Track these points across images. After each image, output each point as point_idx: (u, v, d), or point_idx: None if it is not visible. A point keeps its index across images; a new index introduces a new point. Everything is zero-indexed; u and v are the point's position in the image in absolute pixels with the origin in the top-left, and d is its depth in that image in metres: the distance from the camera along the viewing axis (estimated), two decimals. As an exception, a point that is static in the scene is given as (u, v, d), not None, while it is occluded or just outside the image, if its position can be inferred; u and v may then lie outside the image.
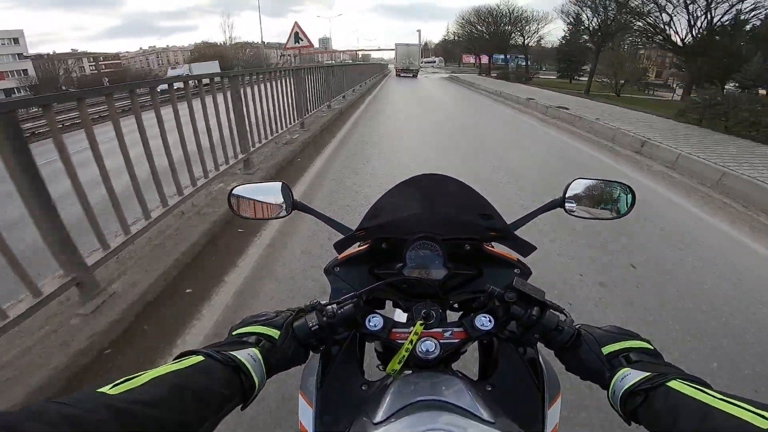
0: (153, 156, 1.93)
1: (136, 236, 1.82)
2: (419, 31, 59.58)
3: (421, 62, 35.46)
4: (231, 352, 0.39)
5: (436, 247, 0.56)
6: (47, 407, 0.25)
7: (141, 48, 60.64)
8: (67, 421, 0.24)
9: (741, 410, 0.29)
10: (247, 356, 0.40)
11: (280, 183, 0.63)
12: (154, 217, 1.95)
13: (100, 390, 0.28)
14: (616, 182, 0.61)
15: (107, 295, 1.56)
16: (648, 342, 0.43)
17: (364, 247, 0.61)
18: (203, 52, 48.35)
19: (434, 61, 51.19)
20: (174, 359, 0.36)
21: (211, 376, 0.35)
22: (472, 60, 44.50)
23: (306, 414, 0.48)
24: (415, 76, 24.58)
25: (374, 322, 0.48)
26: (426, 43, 67.30)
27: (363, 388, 0.49)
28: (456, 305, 0.61)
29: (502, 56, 36.21)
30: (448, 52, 57.34)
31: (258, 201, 0.63)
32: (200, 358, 0.36)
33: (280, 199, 0.62)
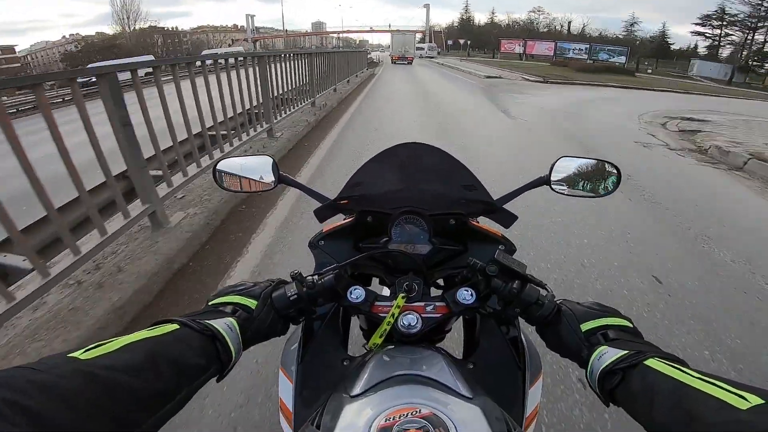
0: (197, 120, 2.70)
1: (193, 178, 2.52)
2: (427, 6, 56.97)
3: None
4: (208, 321, 0.40)
5: (422, 222, 0.59)
6: (15, 373, 0.25)
7: (64, 36, 59.38)
8: (36, 386, 0.24)
9: (718, 389, 0.30)
10: (224, 326, 0.41)
11: (268, 156, 0.66)
12: (204, 166, 2.65)
13: (71, 355, 0.29)
14: (602, 160, 0.64)
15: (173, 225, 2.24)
16: (628, 320, 0.45)
17: (349, 220, 0.63)
18: (99, 44, 43.35)
19: (423, 48, 42.13)
20: (149, 326, 0.37)
21: (187, 345, 0.36)
22: (518, 49, 36.74)
23: (286, 389, 0.50)
24: (410, 63, 27.03)
25: (356, 294, 0.50)
26: (431, 28, 60.83)
27: (344, 363, 0.51)
28: (441, 281, 0.64)
29: (576, 46, 33.26)
30: (467, 35, 53.08)
31: (243, 175, 0.66)
32: (176, 326, 0.37)
33: (266, 173, 0.65)
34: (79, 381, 0.26)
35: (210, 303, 0.46)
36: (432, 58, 38.59)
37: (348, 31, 78.69)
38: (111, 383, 0.28)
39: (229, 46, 61.11)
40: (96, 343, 0.31)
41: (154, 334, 0.35)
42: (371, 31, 73.16)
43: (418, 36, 61.37)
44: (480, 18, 61.36)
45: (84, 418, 0.25)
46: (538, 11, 52.57)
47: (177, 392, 0.33)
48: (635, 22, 46.36)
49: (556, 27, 49.29)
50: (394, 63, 26.90)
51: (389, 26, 70.00)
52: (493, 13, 57.17)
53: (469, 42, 38.87)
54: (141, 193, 2.06)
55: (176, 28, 65.48)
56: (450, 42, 54.00)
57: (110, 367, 0.28)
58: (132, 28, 45.48)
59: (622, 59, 31.02)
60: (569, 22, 48.41)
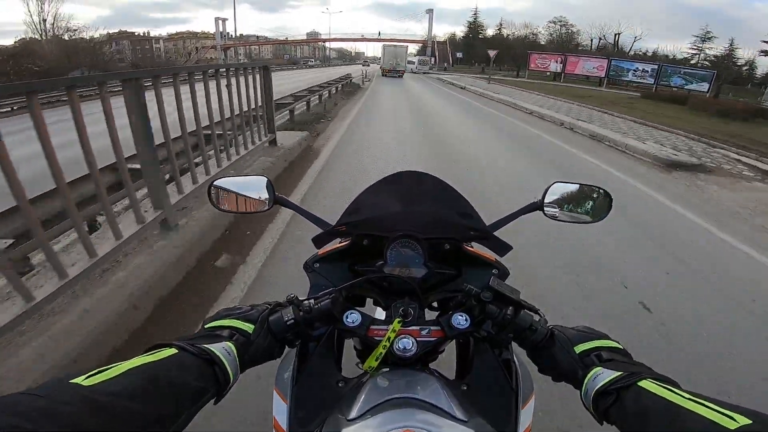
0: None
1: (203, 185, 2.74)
2: (431, 11, 52.91)
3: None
4: (206, 345, 0.43)
5: (417, 246, 0.64)
6: (19, 399, 0.27)
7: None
8: (40, 413, 0.26)
9: (709, 411, 0.33)
10: (222, 350, 0.44)
11: (263, 177, 0.71)
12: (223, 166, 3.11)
13: (73, 381, 0.31)
14: (594, 186, 0.71)
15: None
16: (617, 342, 0.50)
17: (345, 243, 0.68)
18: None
19: (414, 62, 40.10)
20: (146, 351, 0.40)
21: (186, 369, 0.39)
22: (555, 66, 29.00)
23: (280, 410, 0.54)
24: (400, 76, 28.47)
25: (352, 318, 0.54)
26: (434, 39, 54.92)
27: (339, 384, 0.55)
28: (435, 304, 0.69)
29: (639, 66, 25.85)
30: (470, 48, 47.71)
31: (239, 194, 0.70)
32: (174, 350, 0.40)
33: (261, 193, 0.70)
34: (81, 408, 0.28)
35: (207, 326, 0.50)
36: (426, 73, 35.76)
37: (332, 39, 73.94)
38: (113, 410, 0.30)
39: (190, 56, 57.05)
40: (97, 369, 0.33)
41: (153, 359, 0.38)
42: (360, 39, 68.58)
43: (415, 48, 57.51)
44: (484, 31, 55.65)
45: None
46: (560, 23, 44.22)
47: (177, 417, 0.36)
48: (708, 38, 34.57)
49: (581, 42, 41.83)
50: (385, 76, 28.20)
51: (378, 33, 65.41)
52: (500, 26, 50.70)
53: (492, 55, 25.19)
54: (155, 198, 2.26)
55: (147, 33, 61.75)
56: (460, 55, 48.59)
57: (112, 393, 0.31)
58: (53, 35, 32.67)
59: (704, 86, 23.40)
60: (617, 36, 38.21)
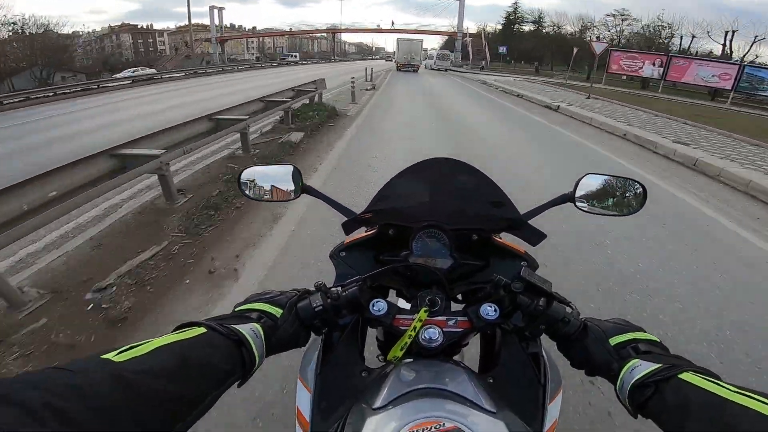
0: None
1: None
2: None
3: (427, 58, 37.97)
4: (234, 326, 0.47)
5: (443, 237, 0.68)
6: (50, 374, 0.30)
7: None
8: (69, 389, 0.29)
9: (756, 402, 0.35)
10: (250, 331, 0.48)
11: (291, 166, 0.77)
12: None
13: (104, 356, 0.34)
14: (628, 178, 0.73)
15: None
16: (653, 336, 0.52)
17: (371, 232, 0.74)
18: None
19: (432, 56, 38.43)
20: (175, 329, 0.44)
21: (214, 349, 0.42)
22: (651, 71, 19.65)
23: (304, 399, 0.58)
24: (415, 71, 29.92)
25: (378, 306, 0.58)
26: (465, 33, 49.41)
27: (363, 374, 0.59)
28: (460, 296, 0.73)
29: None
30: (512, 41, 40.67)
31: (267, 184, 0.78)
32: (203, 329, 0.44)
33: (289, 182, 0.76)
34: (111, 385, 0.31)
35: (236, 309, 0.54)
36: (449, 70, 33.42)
37: (344, 30, 69.44)
38: (142, 387, 0.33)
39: (176, 52, 53.96)
40: (128, 345, 0.37)
41: (183, 337, 0.41)
42: (375, 30, 65.08)
43: (438, 42, 56.94)
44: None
45: (116, 422, 0.30)
46: (622, 16, 34.78)
47: (204, 397, 0.39)
48: None
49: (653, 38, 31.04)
50: (399, 70, 29.34)
51: (392, 23, 63.37)
52: (540, 18, 43.26)
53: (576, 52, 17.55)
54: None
55: (151, 26, 61.61)
56: (503, 50, 40.11)
57: (142, 371, 0.34)
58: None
59: None
60: (729, 33, 25.08)
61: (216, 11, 51.12)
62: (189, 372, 0.38)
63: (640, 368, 0.45)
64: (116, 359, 0.34)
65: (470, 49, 47.06)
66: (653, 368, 0.44)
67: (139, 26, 62.94)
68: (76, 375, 0.30)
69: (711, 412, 0.37)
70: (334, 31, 63.98)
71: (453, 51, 43.47)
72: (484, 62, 42.90)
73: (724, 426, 0.35)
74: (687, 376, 0.41)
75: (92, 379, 0.31)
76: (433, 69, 35.39)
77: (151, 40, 61.06)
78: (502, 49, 41.42)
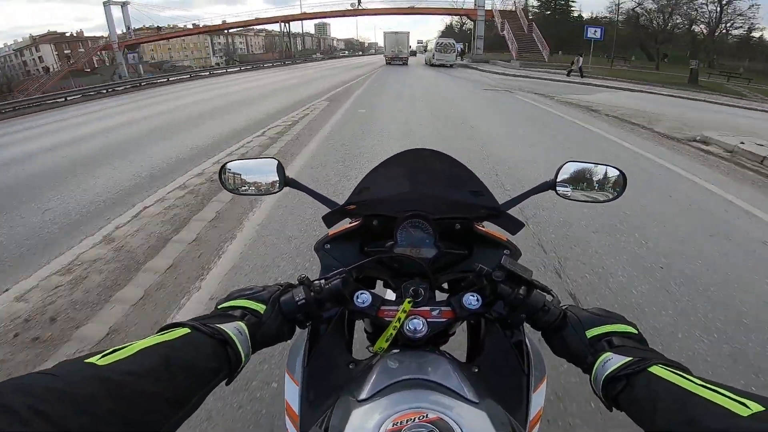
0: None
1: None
2: None
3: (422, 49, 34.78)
4: (218, 325, 0.53)
5: (427, 226, 0.79)
6: (34, 379, 0.34)
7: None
8: (55, 393, 0.33)
9: (721, 397, 0.40)
10: (234, 330, 0.55)
11: (274, 159, 0.88)
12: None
13: (88, 360, 0.39)
14: (607, 165, 0.84)
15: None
16: (634, 326, 0.61)
17: (355, 224, 0.84)
18: None
19: (430, 50, 33.32)
20: (159, 331, 0.50)
21: (199, 349, 0.49)
22: None
23: (292, 392, 0.68)
24: (405, 63, 34.91)
25: (362, 298, 0.67)
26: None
27: (350, 366, 0.69)
28: (445, 285, 0.84)
29: None
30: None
31: (250, 177, 0.89)
32: (187, 330, 0.50)
33: (272, 176, 0.88)
34: (96, 387, 0.35)
35: (219, 307, 0.62)
36: (453, 66, 29.43)
37: (294, 18, 52.76)
38: (128, 389, 0.37)
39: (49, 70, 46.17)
40: (112, 349, 0.42)
41: (166, 338, 0.47)
42: (332, 14, 50.90)
43: (443, 23, 56.87)
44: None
45: (101, 423, 0.34)
46: None
47: (190, 397, 0.44)
48: None
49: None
50: (389, 64, 33.84)
51: (358, 2, 47.22)
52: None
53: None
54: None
55: (81, 32, 59.43)
56: (597, 32, 26.10)
57: (127, 372, 0.39)
58: None
59: None
60: None
61: (120, 8, 39.22)
62: (173, 372, 0.43)
63: (612, 362, 0.53)
64: (100, 363, 0.39)
65: (508, 33, 33.31)
66: (624, 362, 0.52)
67: (68, 34, 60.87)
68: (60, 379, 0.35)
69: (677, 405, 0.43)
70: (286, 19, 52.82)
71: (459, 41, 36.80)
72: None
73: (690, 420, 0.41)
74: (656, 370, 0.48)
75: (77, 383, 0.35)
76: (434, 65, 29.78)
77: (82, 50, 54.22)
78: (594, 32, 25.75)
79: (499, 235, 0.83)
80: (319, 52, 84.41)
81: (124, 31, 41.63)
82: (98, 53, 47.53)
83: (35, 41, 56.86)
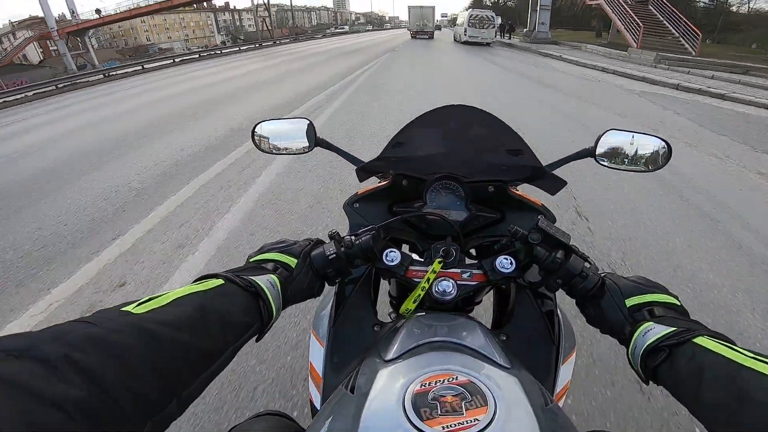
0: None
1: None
2: None
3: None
4: (251, 277, 0.57)
5: (459, 188, 0.83)
6: (70, 327, 0.36)
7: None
8: (90, 341, 0.35)
9: None
10: (267, 283, 0.58)
11: (305, 119, 0.95)
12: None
13: (124, 309, 0.42)
14: (652, 135, 0.86)
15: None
16: (675, 297, 0.61)
17: (384, 183, 0.88)
18: None
19: (460, 23, 28.42)
20: (195, 281, 0.53)
21: (233, 301, 0.52)
22: None
23: (317, 353, 0.74)
24: (431, 37, 35.73)
25: (392, 256, 0.71)
26: None
27: (375, 328, 0.74)
28: (473, 252, 0.88)
29: None
30: None
31: (281, 137, 0.96)
32: (221, 281, 0.53)
33: (302, 136, 0.94)
34: (132, 336, 0.38)
35: (251, 260, 0.66)
36: (490, 44, 24.98)
37: None
38: (163, 339, 0.40)
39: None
40: (147, 297, 0.45)
41: (201, 288, 0.50)
42: None
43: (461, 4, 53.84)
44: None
45: (135, 375, 0.36)
46: None
47: (223, 350, 0.47)
48: None
49: None
50: (414, 38, 35.16)
51: None
52: None
53: None
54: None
55: (63, 15, 48.57)
56: None
57: (162, 322, 0.41)
58: None
59: None
60: None
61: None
62: (209, 323, 0.46)
63: (653, 332, 0.54)
64: (136, 311, 0.42)
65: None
66: (667, 332, 0.52)
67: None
68: (97, 327, 0.37)
69: (725, 378, 0.43)
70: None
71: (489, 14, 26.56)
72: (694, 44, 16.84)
73: (738, 392, 0.41)
74: (701, 341, 0.49)
75: (113, 331, 0.38)
76: (468, 43, 25.65)
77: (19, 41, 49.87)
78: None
79: (533, 199, 0.87)
80: (334, 26, 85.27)
81: (72, 16, 37.12)
82: (54, 41, 38.01)
83: (14, 27, 54.99)
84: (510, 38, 31.40)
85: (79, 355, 0.33)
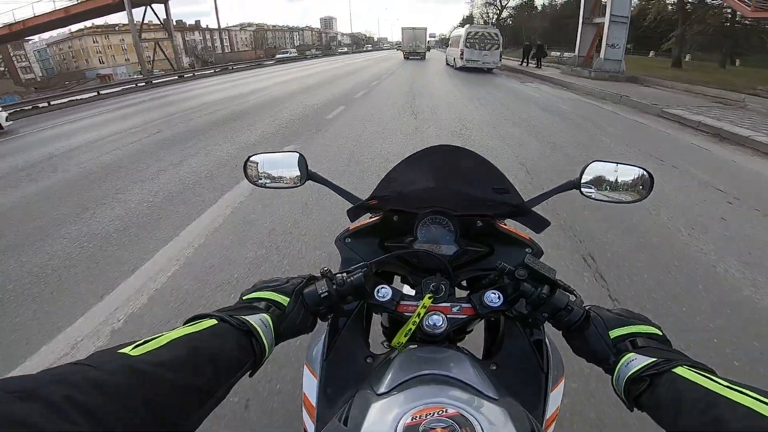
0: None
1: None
2: None
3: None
4: (243, 317, 0.64)
5: (448, 223, 0.94)
6: (70, 369, 0.41)
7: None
8: (90, 383, 0.40)
9: (746, 398, 0.47)
10: (259, 321, 0.66)
11: (296, 153, 1.04)
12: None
13: (121, 351, 0.47)
14: (634, 165, 0.97)
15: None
16: (658, 327, 0.70)
17: (376, 219, 0.99)
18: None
19: (455, 43, 25.68)
20: (186, 322, 0.60)
21: (225, 340, 0.59)
22: None
23: (310, 385, 0.82)
24: (423, 58, 40.47)
25: (383, 293, 0.80)
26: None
27: (368, 360, 0.82)
28: (464, 283, 0.98)
29: None
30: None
31: (272, 171, 1.06)
32: (213, 321, 0.60)
33: (294, 170, 1.04)
34: (130, 378, 0.43)
35: (244, 298, 0.74)
36: (491, 71, 22.48)
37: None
38: (159, 380, 0.45)
39: None
40: (143, 339, 0.51)
41: (194, 329, 0.57)
42: None
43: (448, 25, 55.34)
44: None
45: (135, 414, 0.41)
46: None
47: (217, 388, 0.54)
48: None
49: None
50: (407, 59, 38.83)
51: None
52: None
53: None
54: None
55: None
56: None
57: (157, 363, 0.47)
58: None
59: None
60: None
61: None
62: (202, 363, 0.53)
63: (635, 362, 0.62)
64: (133, 353, 0.47)
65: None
66: (648, 362, 0.60)
67: (117, 26, 62.09)
68: (96, 369, 0.42)
69: (702, 407, 0.50)
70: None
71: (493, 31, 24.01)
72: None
73: (715, 421, 0.47)
74: (681, 371, 0.56)
75: (112, 373, 0.43)
76: (466, 69, 22.52)
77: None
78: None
79: (521, 234, 0.97)
80: (313, 49, 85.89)
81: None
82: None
83: (73, 35, 56.45)
84: (539, 65, 24.84)
85: (81, 397, 0.38)
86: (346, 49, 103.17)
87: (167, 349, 0.51)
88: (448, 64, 27.78)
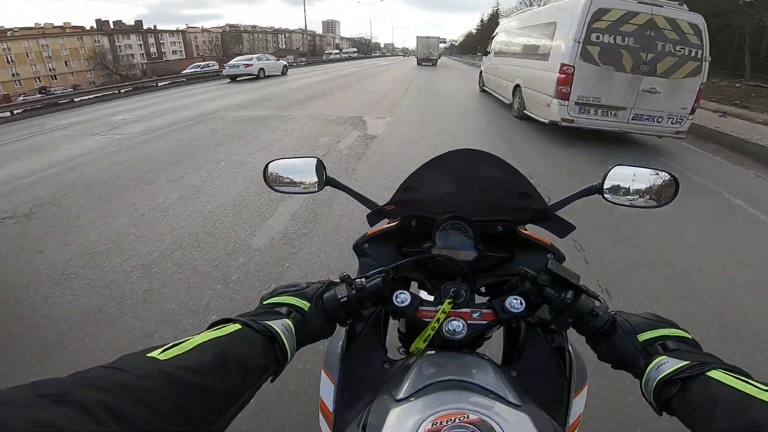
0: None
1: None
2: None
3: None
4: (267, 322, 0.76)
5: (467, 228, 1.10)
6: (101, 373, 0.49)
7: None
8: (121, 387, 0.48)
9: None
10: (282, 327, 0.78)
11: (315, 159, 1.24)
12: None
13: (150, 355, 0.56)
14: (658, 170, 1.14)
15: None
16: (686, 331, 0.80)
17: (394, 224, 1.16)
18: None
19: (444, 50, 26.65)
20: (210, 326, 0.71)
21: (251, 345, 0.70)
22: None
23: (328, 390, 0.97)
24: (434, 64, 53.37)
25: (402, 298, 0.93)
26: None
27: (385, 366, 0.98)
28: (483, 289, 1.14)
29: None
30: None
31: (291, 176, 1.27)
32: (238, 326, 0.72)
33: (312, 175, 1.25)
34: (159, 382, 0.52)
35: (265, 303, 0.89)
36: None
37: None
38: (187, 384, 0.54)
39: None
40: (171, 343, 0.60)
41: (220, 334, 0.68)
42: None
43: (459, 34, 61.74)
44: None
45: (164, 418, 0.49)
46: None
47: (242, 392, 0.64)
48: None
49: None
50: (420, 65, 51.49)
51: None
52: None
53: None
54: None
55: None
56: None
57: (186, 368, 0.56)
58: None
59: None
60: None
61: None
62: (229, 368, 0.62)
63: (667, 365, 0.71)
64: (161, 357, 0.57)
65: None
66: (681, 365, 0.69)
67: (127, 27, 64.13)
68: (126, 374, 0.50)
69: (738, 410, 0.57)
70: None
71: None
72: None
73: (751, 424, 0.54)
74: (715, 374, 0.65)
75: (142, 378, 0.51)
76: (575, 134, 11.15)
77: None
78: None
79: (542, 239, 1.13)
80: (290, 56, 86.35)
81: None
82: None
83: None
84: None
85: (112, 401, 0.46)
86: (338, 55, 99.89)
87: (195, 353, 0.62)
88: (484, 90, 18.15)
